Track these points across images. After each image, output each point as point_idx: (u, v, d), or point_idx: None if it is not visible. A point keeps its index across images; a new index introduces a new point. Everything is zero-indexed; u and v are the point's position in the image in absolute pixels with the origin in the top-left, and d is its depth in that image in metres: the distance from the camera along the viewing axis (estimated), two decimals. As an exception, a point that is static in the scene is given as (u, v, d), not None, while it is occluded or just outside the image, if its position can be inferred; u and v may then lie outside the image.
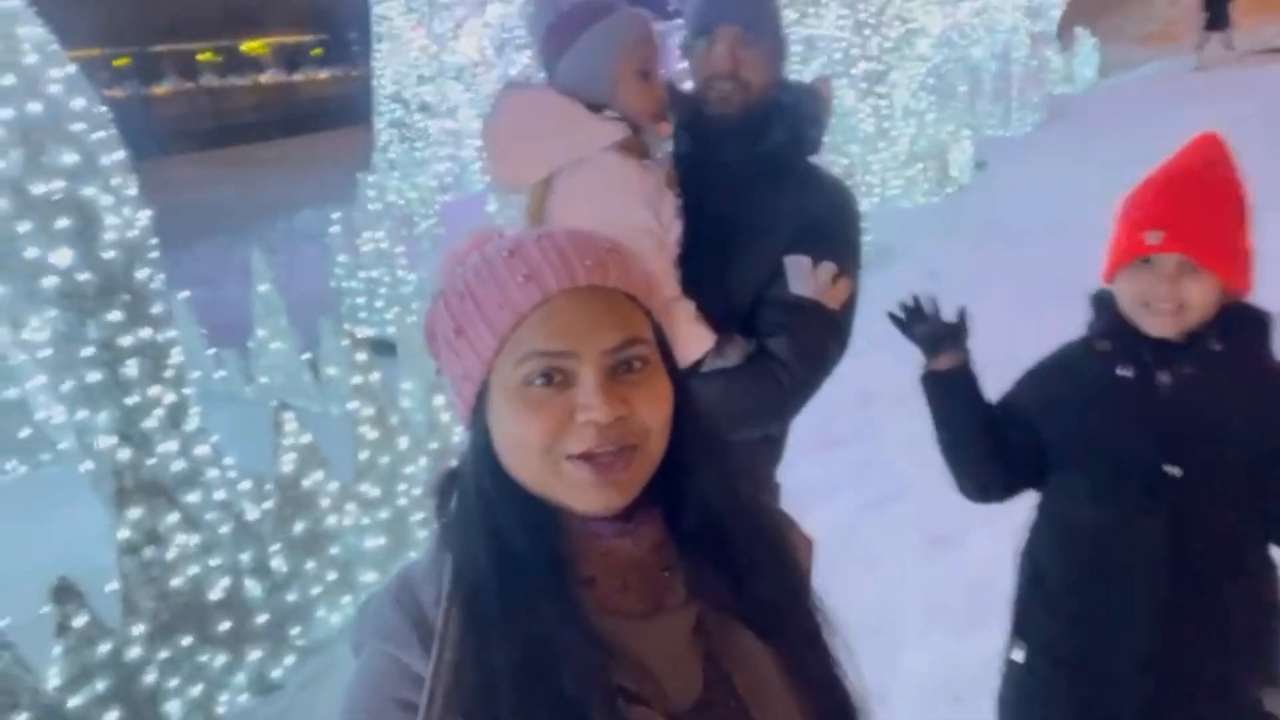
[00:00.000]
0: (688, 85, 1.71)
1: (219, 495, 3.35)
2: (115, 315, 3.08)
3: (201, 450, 3.34)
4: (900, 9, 8.76)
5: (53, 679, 2.38)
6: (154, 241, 3.26)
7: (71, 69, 3.09)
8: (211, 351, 5.53)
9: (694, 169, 1.65)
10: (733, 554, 0.82)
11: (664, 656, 0.78)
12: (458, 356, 0.80)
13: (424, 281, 5.86)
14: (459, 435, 3.46)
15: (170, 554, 2.68)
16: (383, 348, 4.46)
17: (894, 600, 2.93)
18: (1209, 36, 14.28)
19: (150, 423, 3.17)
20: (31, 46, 2.99)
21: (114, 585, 2.61)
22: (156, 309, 3.22)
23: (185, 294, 5.15)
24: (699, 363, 1.56)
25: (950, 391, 1.59)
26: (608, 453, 0.75)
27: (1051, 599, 1.55)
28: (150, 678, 2.59)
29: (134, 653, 2.56)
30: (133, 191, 3.21)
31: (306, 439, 3.05)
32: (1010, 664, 1.63)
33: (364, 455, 3.27)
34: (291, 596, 3.03)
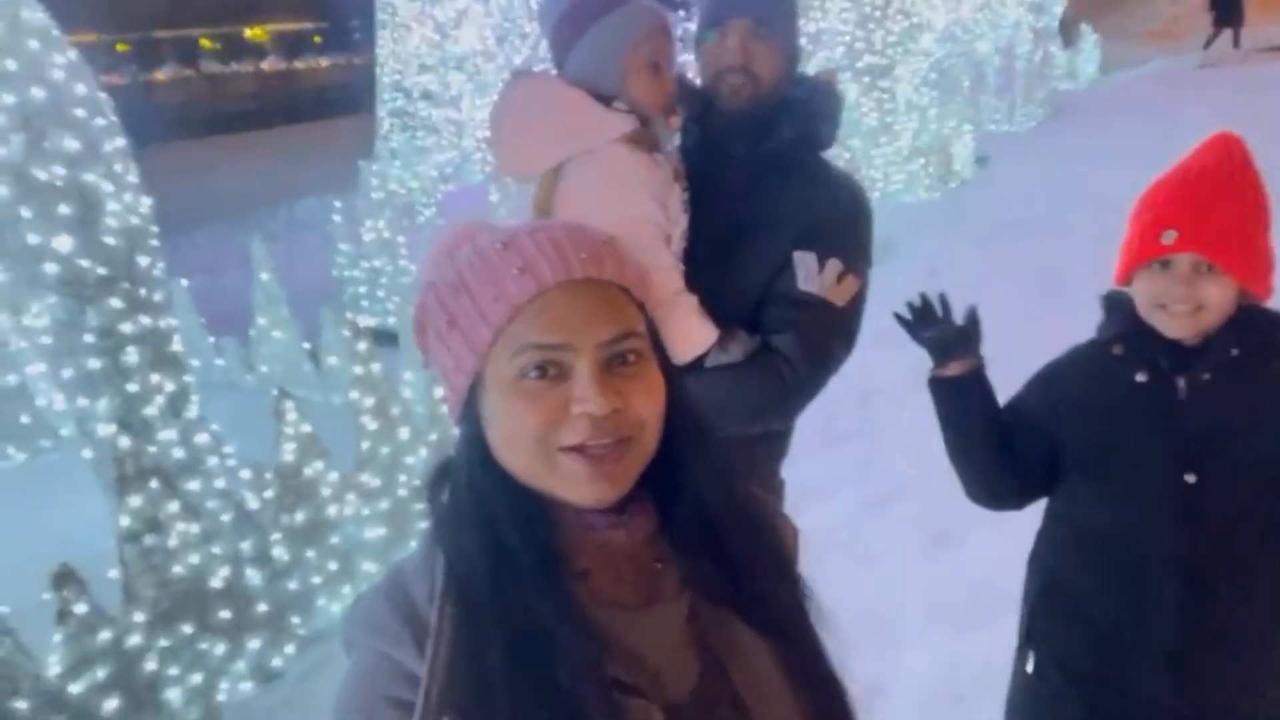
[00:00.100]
0: (698, 78, 1.70)
1: (219, 484, 3.35)
2: (116, 302, 3.07)
3: (202, 439, 3.34)
4: (904, 3, 8.73)
5: (53, 666, 2.38)
6: (155, 229, 3.26)
7: (73, 54, 3.07)
8: (212, 340, 5.52)
9: (703, 163, 1.64)
10: (725, 545, 0.83)
11: (659, 648, 0.78)
12: (450, 349, 0.80)
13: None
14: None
15: (171, 542, 2.68)
16: (384, 337, 4.45)
17: (895, 599, 2.93)
18: (1218, 33, 14.21)
19: (151, 410, 3.17)
20: (33, 32, 2.97)
21: (114, 573, 2.61)
22: (157, 296, 3.22)
23: (185, 282, 5.14)
24: (702, 357, 1.55)
25: (961, 397, 1.54)
26: (602, 445, 0.75)
27: (1066, 608, 1.50)
28: (151, 665, 2.59)
29: (134, 640, 2.56)
30: (134, 178, 3.21)
31: (307, 428, 3.05)
32: (1019, 671, 1.59)
33: (365, 445, 3.27)
34: (292, 585, 3.03)
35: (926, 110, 8.71)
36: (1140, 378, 1.40)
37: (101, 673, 2.47)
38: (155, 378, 3.17)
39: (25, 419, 4.57)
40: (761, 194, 1.61)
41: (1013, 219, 7.24)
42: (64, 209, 2.97)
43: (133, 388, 3.12)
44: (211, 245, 9.17)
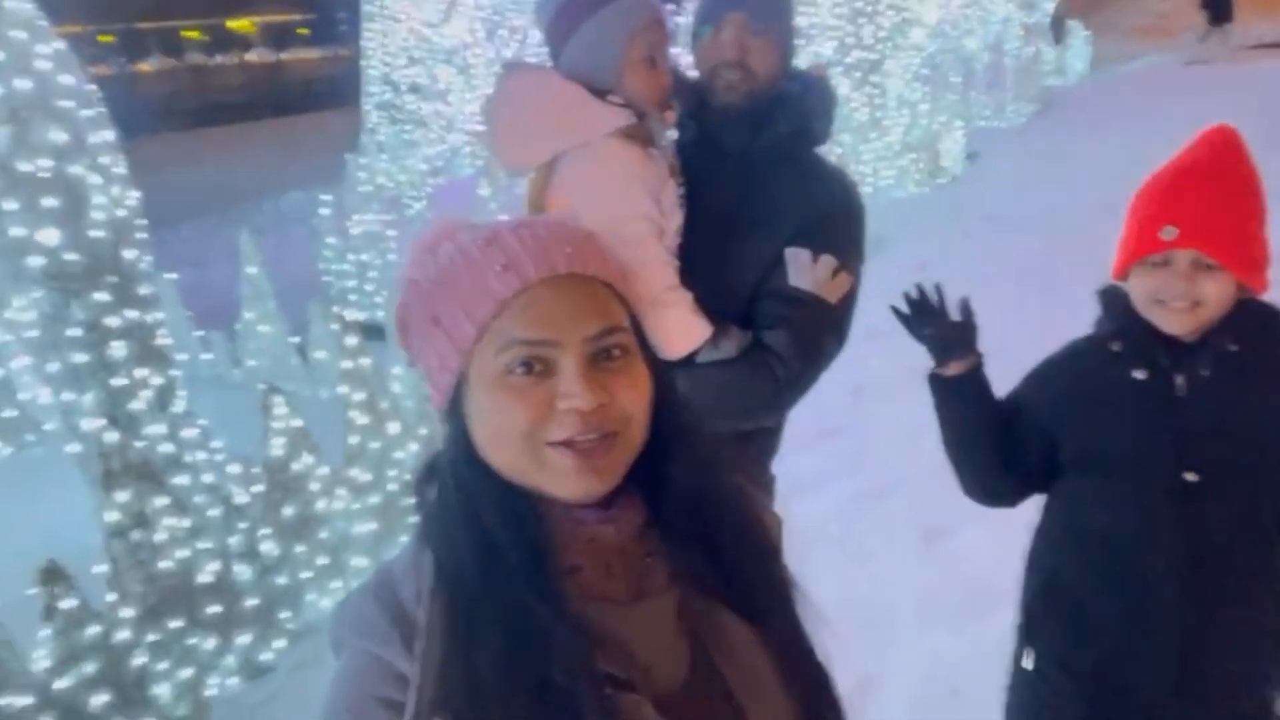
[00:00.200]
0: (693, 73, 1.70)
1: (207, 478, 3.33)
2: (102, 296, 3.04)
3: (189, 433, 3.31)
4: (895, -2, 8.74)
5: (41, 661, 2.37)
6: (142, 222, 3.23)
7: (60, 45, 3.04)
8: (199, 334, 5.48)
9: (697, 158, 1.64)
10: (713, 537, 0.83)
11: (650, 641, 0.79)
12: (434, 346, 0.80)
13: (414, 266, 5.82)
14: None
15: (159, 537, 2.66)
16: (372, 332, 4.42)
17: (887, 593, 2.93)
18: (1212, 30, 14.29)
19: (137, 405, 3.14)
20: (19, 22, 2.94)
21: (102, 568, 2.60)
22: (144, 290, 3.19)
23: (172, 275, 5.10)
24: (694, 353, 1.55)
25: (961, 395, 1.53)
26: (589, 439, 0.75)
27: (1065, 607, 1.49)
28: (139, 660, 2.58)
29: (122, 636, 2.54)
30: (121, 170, 3.17)
31: (296, 423, 3.04)
32: (1018, 669, 1.59)
33: (354, 440, 3.26)
34: (281, 580, 3.02)
35: (917, 106, 8.72)
36: (1139, 375, 1.39)
37: (90, 668, 2.45)
38: (142, 372, 3.15)
39: (10, 413, 4.53)
40: (756, 190, 1.61)
41: (1002, 214, 7.26)
42: (50, 201, 2.94)
43: (119, 382, 3.09)
44: (198, 239, 9.10)
